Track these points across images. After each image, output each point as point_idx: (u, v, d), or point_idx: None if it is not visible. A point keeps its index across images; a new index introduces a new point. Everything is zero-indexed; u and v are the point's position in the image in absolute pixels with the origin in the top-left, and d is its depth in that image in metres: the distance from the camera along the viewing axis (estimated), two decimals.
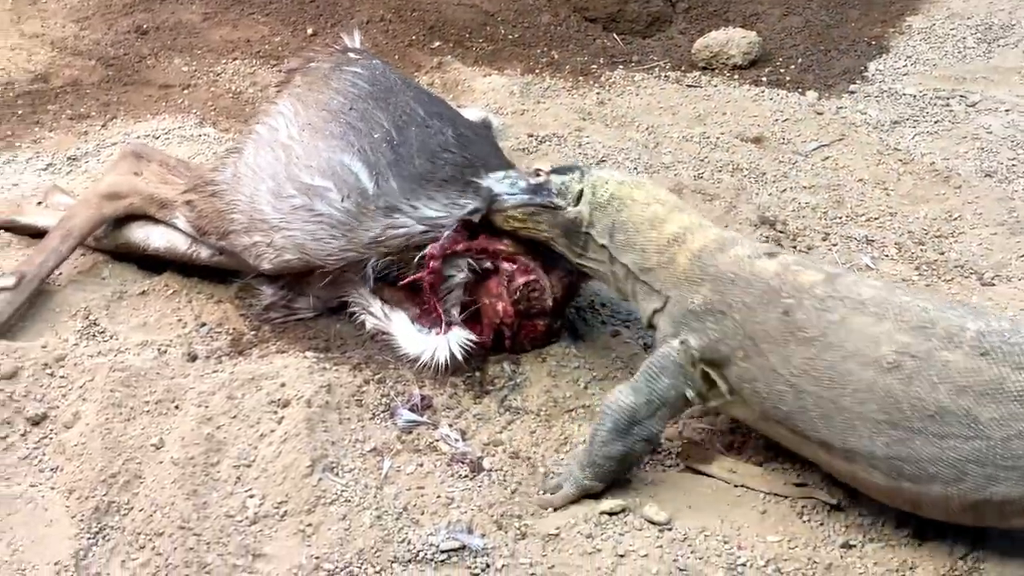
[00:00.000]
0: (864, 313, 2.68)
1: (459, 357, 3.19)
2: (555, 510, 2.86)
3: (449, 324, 3.21)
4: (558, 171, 3.16)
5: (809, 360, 2.69)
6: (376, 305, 3.29)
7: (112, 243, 3.51)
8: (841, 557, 2.76)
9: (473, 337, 3.20)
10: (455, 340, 3.17)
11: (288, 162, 3.28)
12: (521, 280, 3.22)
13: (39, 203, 3.69)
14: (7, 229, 3.65)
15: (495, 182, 3.19)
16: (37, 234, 3.58)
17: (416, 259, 3.22)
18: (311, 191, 3.23)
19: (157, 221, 3.46)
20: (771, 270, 2.82)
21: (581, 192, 3.11)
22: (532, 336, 3.30)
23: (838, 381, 2.66)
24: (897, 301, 2.69)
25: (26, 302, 3.29)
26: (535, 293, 3.23)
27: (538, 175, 3.16)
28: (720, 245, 2.92)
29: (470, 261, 3.22)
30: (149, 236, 3.47)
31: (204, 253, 3.43)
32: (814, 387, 2.69)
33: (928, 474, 2.59)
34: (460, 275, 3.22)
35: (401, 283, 3.26)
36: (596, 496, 2.88)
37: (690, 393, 2.87)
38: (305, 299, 3.37)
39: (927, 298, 2.75)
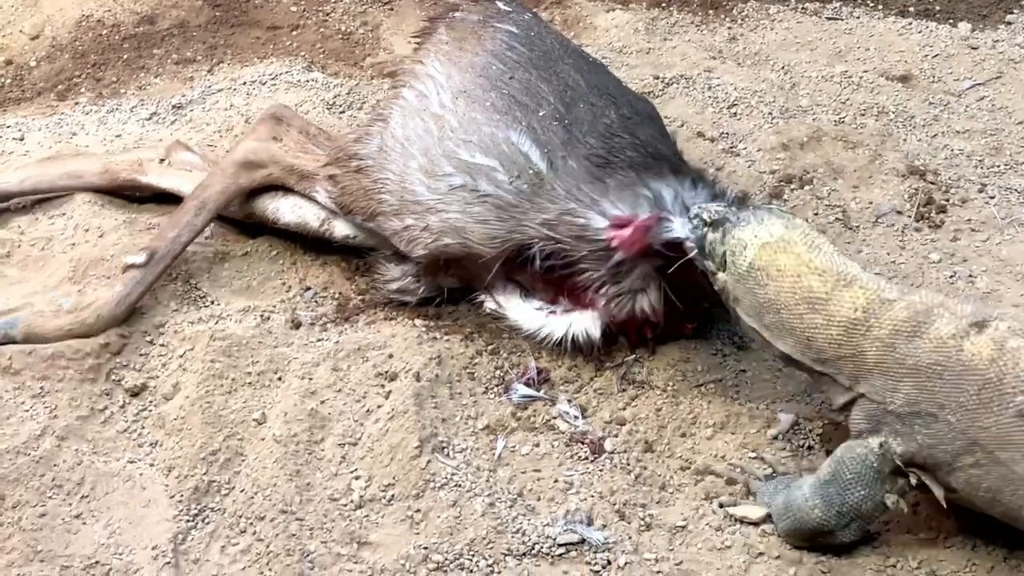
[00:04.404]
0: None
1: (580, 341, 2.94)
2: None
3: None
4: (717, 222, 2.61)
5: None
6: (501, 288, 3.04)
7: (241, 213, 3.30)
8: (1004, 559, 2.49)
9: (598, 333, 2.92)
10: (578, 324, 2.92)
11: (441, 136, 2.97)
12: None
13: (161, 160, 3.46)
14: (128, 190, 3.44)
15: (681, 226, 2.71)
16: (159, 197, 3.39)
17: (585, 254, 2.87)
18: (473, 169, 2.92)
19: (288, 193, 3.22)
20: (985, 355, 2.31)
21: (724, 256, 2.58)
22: (678, 335, 3.02)
23: None
24: None
25: (157, 280, 3.07)
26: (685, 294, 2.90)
27: (704, 223, 2.64)
28: (914, 327, 2.37)
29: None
30: (279, 209, 3.24)
31: (338, 231, 3.18)
32: None
33: None
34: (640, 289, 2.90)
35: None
36: None
37: (891, 500, 2.43)
38: (428, 281, 3.10)
39: None
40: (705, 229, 2.64)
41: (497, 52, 3.05)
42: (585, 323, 2.94)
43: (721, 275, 2.61)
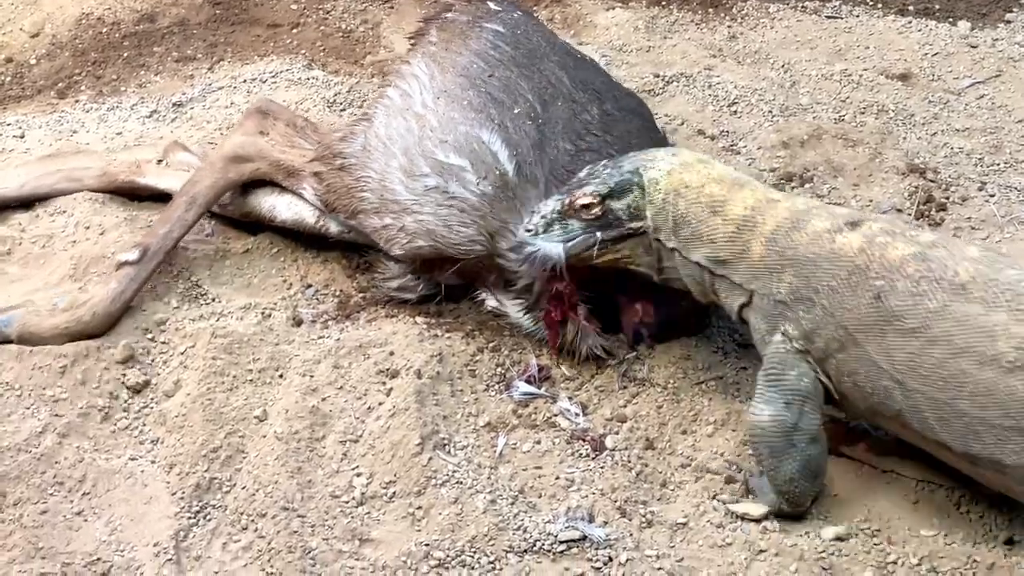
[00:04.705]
0: (968, 299, 2.37)
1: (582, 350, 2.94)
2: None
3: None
4: (614, 193, 2.72)
5: (913, 356, 2.40)
6: (501, 285, 3.03)
7: (237, 211, 3.31)
8: (1005, 556, 2.49)
9: (602, 342, 2.94)
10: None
11: (422, 136, 2.99)
12: None
13: (159, 161, 3.46)
14: (126, 192, 3.44)
15: (544, 242, 2.75)
16: (159, 197, 3.38)
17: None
18: (446, 170, 2.94)
19: (284, 190, 3.23)
20: (855, 245, 2.51)
21: (645, 206, 2.73)
22: (675, 334, 3.02)
23: (951, 382, 2.37)
24: (1005, 280, 2.36)
25: (151, 276, 3.08)
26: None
27: (589, 208, 2.72)
28: (795, 222, 2.60)
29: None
30: (275, 206, 3.25)
31: (334, 228, 3.20)
32: (924, 386, 2.40)
33: None
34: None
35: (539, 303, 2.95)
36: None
37: (822, 375, 2.56)
38: (428, 279, 3.10)
39: None
40: (605, 202, 2.72)
41: (480, 51, 3.07)
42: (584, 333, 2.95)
43: (648, 221, 2.74)
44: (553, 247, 2.75)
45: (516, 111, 2.95)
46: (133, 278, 3.02)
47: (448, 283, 3.11)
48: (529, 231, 2.78)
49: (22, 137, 3.80)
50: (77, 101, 4.06)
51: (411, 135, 3.01)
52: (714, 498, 2.64)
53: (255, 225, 3.33)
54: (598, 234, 2.74)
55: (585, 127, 2.96)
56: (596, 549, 2.51)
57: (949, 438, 2.41)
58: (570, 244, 2.75)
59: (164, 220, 3.13)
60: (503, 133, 2.93)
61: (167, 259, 3.13)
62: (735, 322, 2.76)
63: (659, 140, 3.14)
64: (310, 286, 3.19)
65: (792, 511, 2.58)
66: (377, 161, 3.04)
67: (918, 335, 2.40)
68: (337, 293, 3.18)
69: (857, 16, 4.64)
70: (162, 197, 3.37)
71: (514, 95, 2.98)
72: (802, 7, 4.67)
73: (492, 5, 3.25)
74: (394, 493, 2.63)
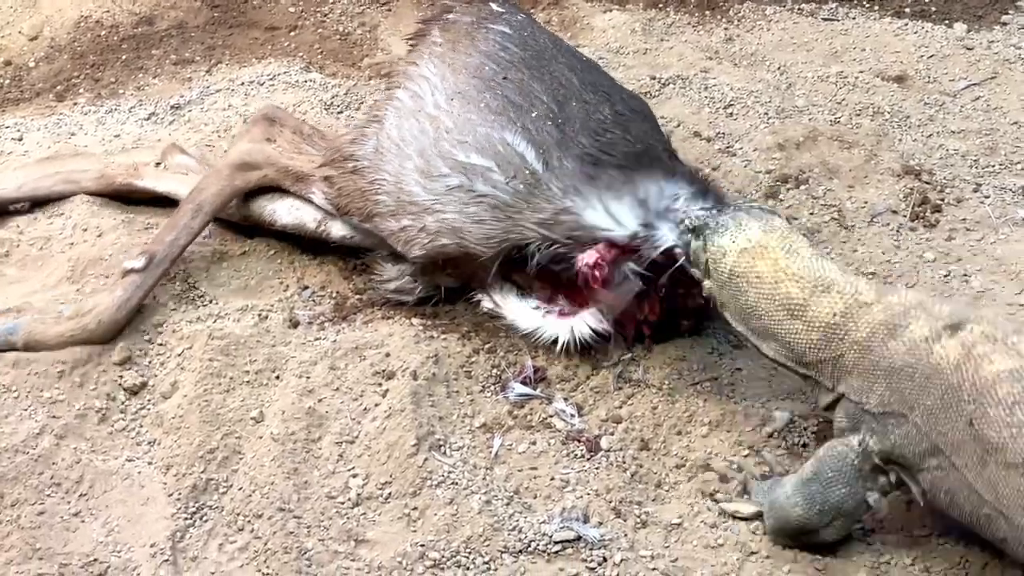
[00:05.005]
0: None
1: (578, 343, 2.94)
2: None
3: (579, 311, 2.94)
4: (698, 229, 2.62)
5: (1020, 493, 2.18)
6: (498, 287, 3.04)
7: (238, 214, 3.31)
8: (996, 557, 2.48)
9: (600, 327, 2.93)
10: (579, 327, 2.92)
11: (437, 137, 2.98)
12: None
13: (157, 164, 3.46)
14: (124, 195, 3.43)
15: (670, 233, 2.72)
16: (156, 200, 3.38)
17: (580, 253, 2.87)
18: (469, 170, 2.93)
19: (284, 194, 3.23)
20: (952, 358, 2.29)
21: (707, 263, 2.61)
22: (675, 333, 3.03)
23: None
24: None
25: (157, 284, 3.08)
26: (683, 291, 2.92)
27: (687, 229, 2.66)
28: (891, 329, 2.37)
29: (636, 268, 2.87)
30: (276, 211, 3.24)
31: (335, 232, 3.19)
32: None
33: None
34: (628, 283, 2.90)
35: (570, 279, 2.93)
36: None
37: (872, 498, 2.44)
38: (426, 281, 3.10)
39: None
40: (688, 236, 2.67)
41: (490, 53, 3.07)
42: (585, 322, 2.95)
43: (707, 282, 2.64)
44: (671, 236, 2.74)
45: (534, 113, 2.95)
46: (139, 286, 3.01)
47: (446, 285, 3.12)
48: (679, 221, 2.71)
49: (20, 140, 3.81)
50: (75, 104, 4.08)
51: (426, 136, 3.01)
52: (710, 496, 2.65)
53: (253, 228, 3.34)
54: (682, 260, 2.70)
55: (601, 126, 2.96)
56: (591, 549, 2.53)
57: None
58: (681, 242, 2.72)
59: (170, 227, 3.13)
60: (526, 135, 2.93)
61: (173, 267, 3.13)
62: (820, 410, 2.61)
63: (664, 142, 3.13)
64: (307, 288, 3.20)
65: (770, 535, 2.54)
66: (391, 163, 3.04)
67: (1020, 470, 2.19)
68: (333, 295, 3.19)
69: (853, 18, 4.64)
70: (160, 200, 3.38)
71: (530, 97, 2.98)
72: (798, 9, 4.68)
73: (494, 7, 3.25)
74: (390, 494, 2.64)
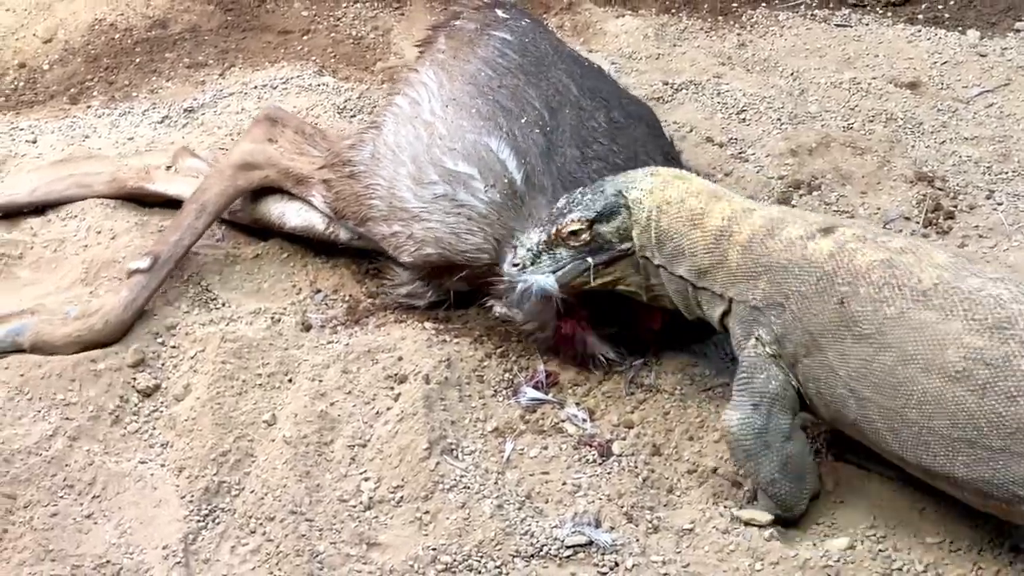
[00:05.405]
0: (927, 307, 2.37)
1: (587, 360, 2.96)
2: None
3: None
4: (601, 217, 2.72)
5: (866, 362, 2.41)
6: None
7: (248, 217, 3.32)
8: (1010, 563, 2.49)
9: (611, 355, 2.95)
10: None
11: (430, 143, 3.01)
12: None
13: (168, 168, 3.47)
14: (136, 198, 3.43)
15: (534, 275, 2.75)
16: (170, 203, 3.39)
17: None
18: (454, 178, 2.95)
19: (293, 197, 3.25)
20: (825, 251, 2.53)
21: (631, 227, 2.74)
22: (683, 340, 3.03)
23: (900, 390, 2.38)
24: (966, 288, 2.37)
25: (162, 284, 3.09)
26: None
27: (577, 235, 2.72)
28: (769, 229, 2.62)
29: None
30: (285, 213, 3.26)
31: (344, 234, 3.21)
32: (874, 394, 2.42)
33: (1021, 496, 2.30)
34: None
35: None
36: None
37: (793, 379, 2.58)
38: (437, 285, 3.10)
39: (1006, 281, 2.39)
40: (592, 227, 2.72)
41: (488, 59, 3.09)
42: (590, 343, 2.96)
43: (636, 241, 2.74)
44: (545, 279, 2.75)
45: (524, 120, 2.97)
46: (144, 286, 3.03)
47: (457, 289, 3.12)
48: (516, 265, 2.78)
49: (35, 142, 3.83)
50: (89, 106, 4.09)
51: (420, 143, 3.03)
52: (722, 503, 2.65)
53: (265, 231, 3.35)
54: (589, 259, 2.75)
55: (592, 134, 2.98)
56: (602, 554, 2.53)
57: (901, 450, 2.42)
58: (561, 273, 2.75)
59: (174, 228, 3.15)
60: (511, 141, 2.94)
61: (178, 267, 3.14)
62: (719, 332, 2.77)
63: (666, 147, 3.15)
64: (319, 291, 3.21)
65: (785, 514, 2.59)
66: (386, 169, 3.06)
67: (872, 341, 2.41)
68: (346, 298, 3.20)
69: (867, 24, 4.64)
70: (172, 203, 3.39)
71: (522, 103, 3.00)
72: (812, 15, 4.68)
73: (501, 13, 3.26)
74: (401, 498, 2.64)
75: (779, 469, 2.55)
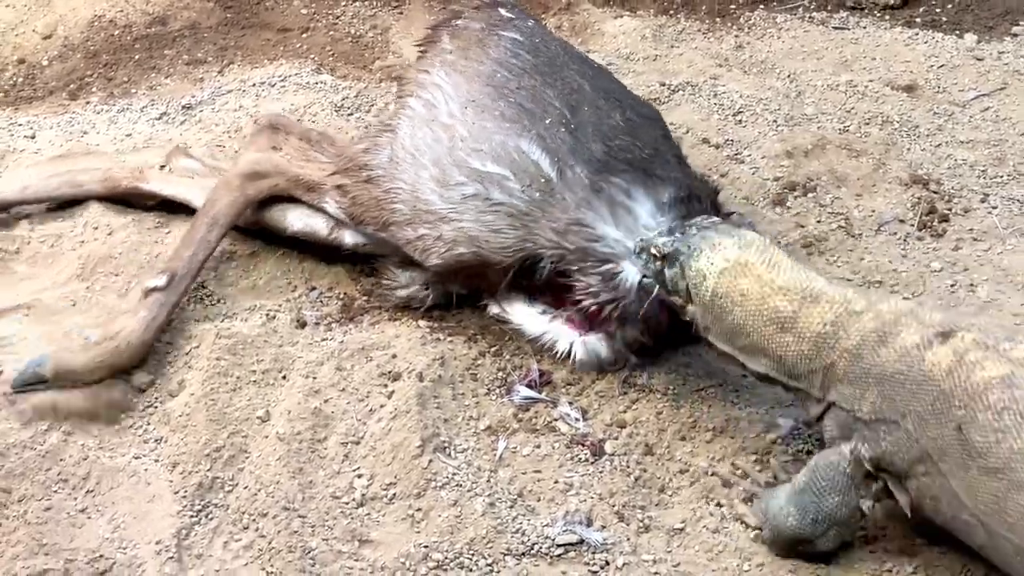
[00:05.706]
0: None
1: (583, 359, 2.97)
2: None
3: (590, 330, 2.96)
4: (670, 256, 2.60)
5: (998, 499, 2.19)
6: (505, 292, 3.04)
7: (250, 221, 3.28)
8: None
9: (604, 355, 2.95)
10: (582, 347, 2.95)
11: (452, 146, 2.99)
12: None
13: (162, 167, 3.45)
14: (131, 198, 3.42)
15: (633, 270, 2.72)
16: (162, 203, 3.38)
17: (588, 264, 2.86)
18: (485, 178, 2.93)
19: (296, 202, 3.22)
20: (944, 365, 2.29)
21: (687, 288, 2.58)
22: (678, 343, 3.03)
23: None
24: None
25: (181, 301, 3.06)
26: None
27: (655, 259, 2.63)
28: (881, 336, 2.37)
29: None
30: (287, 217, 3.23)
31: (347, 239, 3.19)
32: (1010, 533, 2.20)
33: None
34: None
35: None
36: None
37: (866, 506, 2.43)
38: (438, 288, 3.10)
39: None
40: (659, 264, 2.64)
41: (502, 60, 3.07)
42: (590, 344, 2.96)
43: (689, 307, 2.63)
44: (635, 272, 2.74)
45: (548, 120, 2.96)
46: (163, 304, 2.98)
47: (458, 292, 3.12)
48: (639, 250, 2.70)
49: (33, 138, 3.84)
50: (88, 103, 4.10)
51: (440, 145, 3.01)
52: (713, 502, 2.66)
53: (265, 234, 3.34)
54: (657, 288, 2.67)
55: (613, 131, 2.96)
56: (593, 553, 2.54)
57: None
58: (651, 272, 2.69)
59: (187, 243, 3.10)
60: (541, 142, 2.93)
61: (194, 282, 3.10)
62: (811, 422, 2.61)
63: (676, 150, 3.13)
64: (314, 289, 3.22)
65: (767, 546, 2.54)
66: (407, 172, 3.04)
67: (1002, 476, 2.19)
68: (341, 296, 3.21)
69: (864, 27, 4.65)
70: (166, 203, 3.39)
71: (543, 103, 2.99)
72: (809, 18, 4.69)
73: (504, 12, 3.26)
74: (394, 495, 2.65)
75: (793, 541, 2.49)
